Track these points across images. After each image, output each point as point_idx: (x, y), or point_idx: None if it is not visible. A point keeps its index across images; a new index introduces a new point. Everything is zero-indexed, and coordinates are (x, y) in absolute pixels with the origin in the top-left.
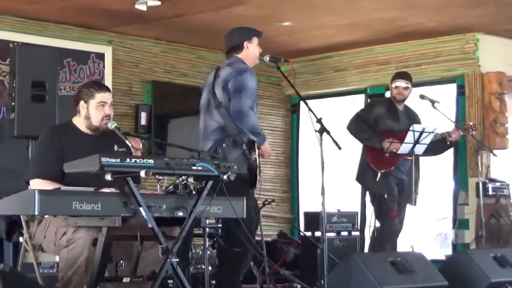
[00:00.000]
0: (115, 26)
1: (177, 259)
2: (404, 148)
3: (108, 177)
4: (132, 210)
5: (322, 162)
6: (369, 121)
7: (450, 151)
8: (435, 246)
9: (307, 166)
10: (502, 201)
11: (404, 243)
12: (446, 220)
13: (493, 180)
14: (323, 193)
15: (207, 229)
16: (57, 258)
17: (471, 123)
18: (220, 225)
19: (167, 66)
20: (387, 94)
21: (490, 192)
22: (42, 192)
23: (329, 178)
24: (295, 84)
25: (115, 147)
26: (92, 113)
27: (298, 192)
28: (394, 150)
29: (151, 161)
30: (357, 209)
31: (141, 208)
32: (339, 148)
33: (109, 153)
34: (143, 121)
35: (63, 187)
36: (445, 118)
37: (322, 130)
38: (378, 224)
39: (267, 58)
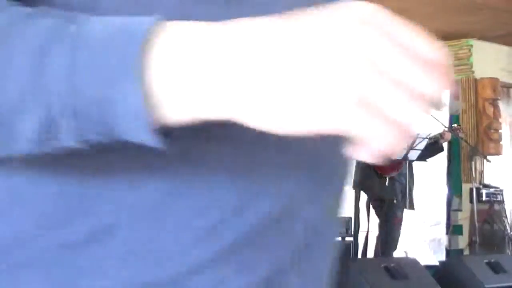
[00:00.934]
0: None
1: None
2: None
3: None
4: None
5: None
6: None
7: (444, 157)
8: (429, 251)
9: None
10: (495, 207)
11: (398, 249)
12: (439, 226)
13: (486, 186)
14: None
15: None
16: None
17: (455, 125)
18: None
19: None
20: None
21: (484, 198)
22: None
23: None
24: None
25: None
26: None
27: None
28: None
29: None
30: (351, 214)
31: None
32: None
33: None
34: None
35: None
36: (439, 123)
37: None
38: (374, 230)
39: None
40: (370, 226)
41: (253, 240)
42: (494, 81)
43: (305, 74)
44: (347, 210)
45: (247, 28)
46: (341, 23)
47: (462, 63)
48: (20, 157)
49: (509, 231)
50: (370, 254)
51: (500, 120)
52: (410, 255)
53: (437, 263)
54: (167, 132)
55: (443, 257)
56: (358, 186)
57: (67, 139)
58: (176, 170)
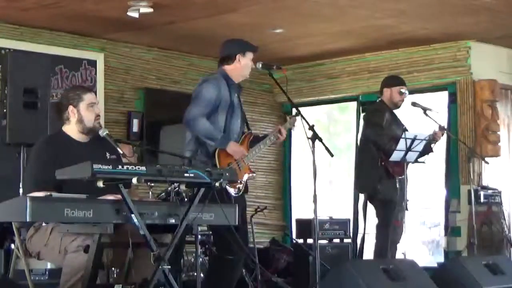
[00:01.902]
0: (108, 33)
1: (169, 266)
2: (396, 155)
3: (100, 184)
4: (124, 217)
5: (315, 169)
6: (382, 126)
7: (442, 159)
8: (427, 253)
9: (299, 173)
10: (494, 208)
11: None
12: (438, 228)
13: (485, 188)
14: (315, 201)
15: (199, 236)
16: (49, 265)
17: (440, 124)
18: (210, 232)
19: (159, 73)
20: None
21: (482, 200)
22: (33, 199)
23: (321, 185)
24: (287, 91)
25: (107, 155)
26: (84, 115)
27: (291, 199)
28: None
29: (143, 168)
30: (349, 216)
31: (133, 215)
32: (331, 155)
33: (102, 160)
34: (135, 128)
35: (54, 194)
36: (436, 125)
37: (315, 137)
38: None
39: (259, 65)
40: (367, 228)
41: None
42: (492, 82)
43: None
44: (345, 212)
45: None
46: None
47: (460, 64)
48: None
49: (507, 232)
50: (367, 255)
51: (498, 121)
52: (409, 257)
53: (436, 265)
54: None
55: (441, 259)
56: (366, 189)
57: None
58: None
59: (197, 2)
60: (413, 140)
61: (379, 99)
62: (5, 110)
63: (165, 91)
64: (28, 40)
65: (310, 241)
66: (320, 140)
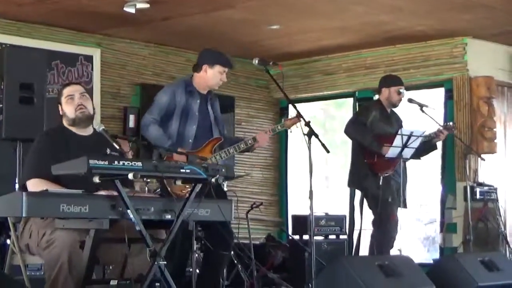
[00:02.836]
0: (104, 29)
1: (165, 262)
2: (392, 152)
3: (96, 179)
4: (120, 212)
5: (311, 166)
6: (366, 124)
7: (438, 155)
8: (423, 249)
9: (295, 170)
10: (489, 205)
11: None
12: (434, 224)
13: (481, 184)
14: (311, 197)
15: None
16: (42, 260)
17: (450, 123)
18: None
19: (156, 68)
20: (376, 97)
21: (478, 196)
22: (29, 194)
23: (317, 181)
24: (283, 87)
25: (108, 151)
26: (65, 109)
27: (287, 195)
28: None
29: (139, 163)
30: (345, 212)
31: (129, 211)
32: (327, 151)
33: (98, 155)
34: (131, 123)
35: (50, 189)
36: (433, 122)
37: (311, 133)
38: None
39: (256, 61)
40: (363, 225)
41: None
42: (488, 79)
43: None
44: (341, 208)
45: None
46: None
47: (456, 61)
48: None
49: (503, 229)
50: (363, 252)
51: (495, 118)
52: (404, 253)
53: (431, 261)
54: None
55: (437, 255)
56: (355, 185)
57: None
58: None
59: None
60: (409, 136)
61: (377, 97)
62: (1, 105)
63: (161, 86)
64: (24, 36)
65: (306, 237)
66: (316, 136)
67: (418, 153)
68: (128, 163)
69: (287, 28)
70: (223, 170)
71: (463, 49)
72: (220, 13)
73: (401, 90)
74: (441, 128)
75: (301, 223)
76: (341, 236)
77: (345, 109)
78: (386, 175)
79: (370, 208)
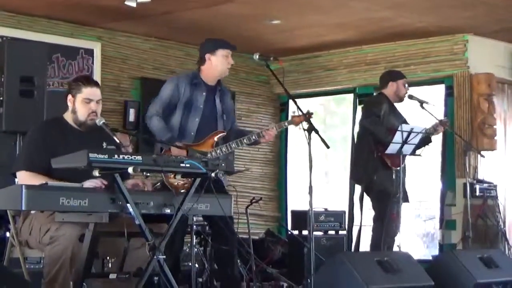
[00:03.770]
0: (105, 22)
1: (164, 256)
2: (392, 148)
3: (96, 173)
4: (119, 206)
5: (310, 161)
6: (380, 116)
7: (438, 152)
8: (422, 246)
9: (295, 165)
10: (489, 202)
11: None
12: (433, 221)
13: (480, 181)
14: (310, 192)
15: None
16: (43, 254)
17: (444, 118)
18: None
19: (156, 62)
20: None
21: (478, 193)
22: (29, 187)
23: (317, 177)
24: (284, 82)
25: (104, 144)
26: (78, 108)
27: (286, 190)
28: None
29: (139, 157)
30: (345, 208)
31: (128, 205)
32: (327, 147)
33: (98, 149)
34: (131, 117)
35: (50, 182)
36: (433, 118)
37: (311, 128)
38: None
39: (256, 56)
40: (363, 220)
41: None
42: (489, 76)
43: None
44: (340, 204)
45: None
46: None
47: (457, 58)
48: None
49: (502, 226)
50: (363, 247)
51: (495, 115)
52: (403, 249)
53: (430, 258)
54: None
55: (436, 252)
56: (360, 178)
57: None
58: None
59: None
60: (410, 133)
61: (378, 92)
62: (1, 98)
63: (161, 80)
64: (25, 28)
65: (305, 232)
66: (316, 131)
67: (414, 149)
68: (128, 157)
69: (288, 23)
70: (223, 164)
71: (464, 46)
72: (220, 7)
73: (406, 84)
74: (438, 122)
75: (301, 218)
76: (340, 232)
77: (345, 105)
78: (398, 168)
79: (375, 202)
